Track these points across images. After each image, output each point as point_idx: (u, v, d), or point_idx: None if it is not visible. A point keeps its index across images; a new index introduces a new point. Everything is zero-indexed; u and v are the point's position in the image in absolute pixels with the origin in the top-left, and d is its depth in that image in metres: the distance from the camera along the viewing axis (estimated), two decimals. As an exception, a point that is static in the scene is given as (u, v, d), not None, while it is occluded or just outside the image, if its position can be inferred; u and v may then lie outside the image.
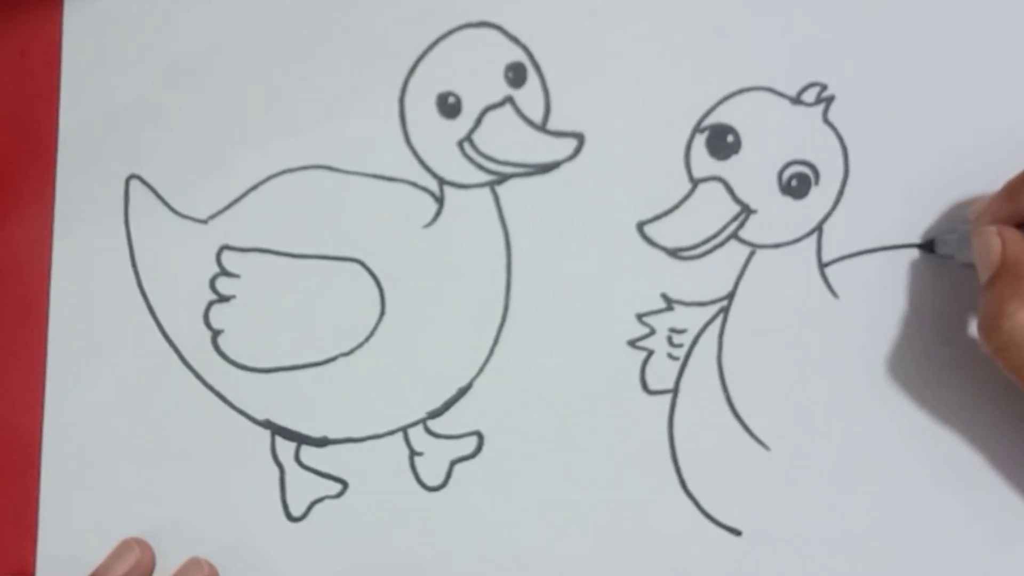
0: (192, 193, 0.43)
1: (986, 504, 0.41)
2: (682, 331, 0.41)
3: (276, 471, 0.43)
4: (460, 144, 0.42)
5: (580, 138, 0.42)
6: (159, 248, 0.43)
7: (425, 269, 0.42)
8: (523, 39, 0.42)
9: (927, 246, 0.40)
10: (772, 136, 0.41)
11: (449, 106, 0.42)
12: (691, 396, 0.42)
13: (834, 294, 0.41)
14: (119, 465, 0.44)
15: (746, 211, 0.41)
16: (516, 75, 0.42)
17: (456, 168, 0.42)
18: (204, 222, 0.43)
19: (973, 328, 0.41)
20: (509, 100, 0.42)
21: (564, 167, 0.42)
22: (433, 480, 0.43)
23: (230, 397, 0.43)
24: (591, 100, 0.42)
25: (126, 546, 0.43)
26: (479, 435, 0.42)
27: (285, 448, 0.43)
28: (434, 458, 0.43)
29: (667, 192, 0.41)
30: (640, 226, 0.42)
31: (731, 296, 0.41)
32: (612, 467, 0.42)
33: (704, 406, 0.42)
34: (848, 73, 0.41)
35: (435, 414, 0.43)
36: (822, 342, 0.41)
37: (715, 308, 0.41)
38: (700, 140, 0.41)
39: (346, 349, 0.43)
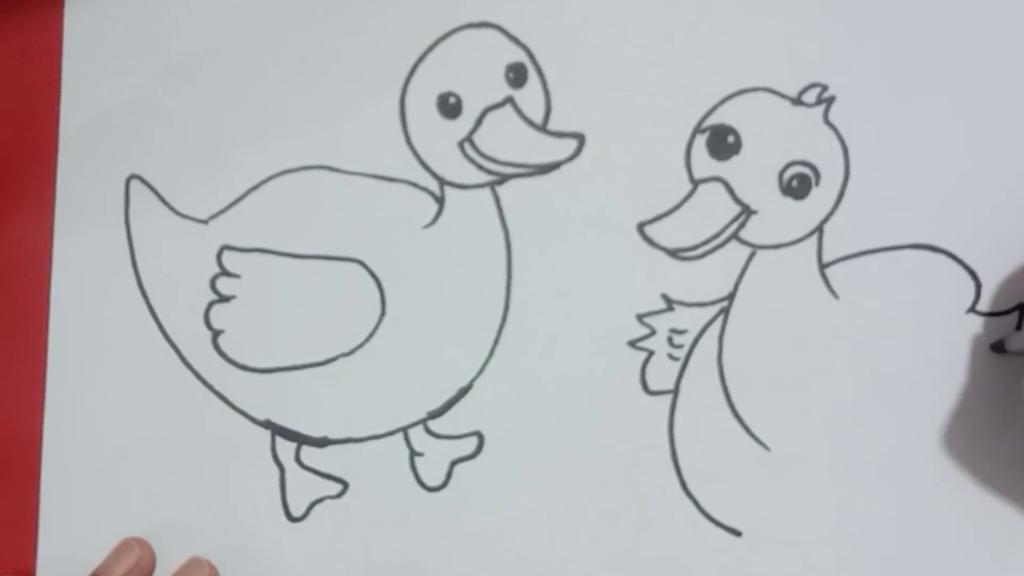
0: (192, 193, 0.43)
1: (985, 504, 0.41)
2: (682, 332, 0.41)
3: (276, 471, 0.43)
4: (461, 144, 0.42)
5: (581, 139, 0.42)
6: (159, 248, 0.43)
7: (425, 269, 0.42)
8: (524, 40, 0.42)
9: (997, 346, 0.40)
10: (773, 137, 0.41)
11: (450, 106, 0.42)
12: (691, 396, 0.42)
13: (834, 295, 0.41)
14: (119, 465, 0.44)
15: (747, 212, 0.41)
16: (517, 75, 0.41)
17: (456, 168, 0.42)
18: (204, 222, 0.43)
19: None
20: (510, 100, 0.42)
21: (565, 167, 0.42)
22: (433, 480, 0.43)
23: (230, 397, 0.43)
24: (592, 101, 0.41)
25: (126, 546, 0.43)
26: (479, 435, 0.42)
27: (285, 448, 0.43)
28: (434, 458, 0.43)
29: (668, 193, 0.41)
30: (641, 226, 0.42)
31: (731, 297, 0.41)
32: (612, 467, 0.42)
33: (704, 406, 0.42)
34: (849, 74, 0.41)
35: (435, 414, 0.43)
36: (822, 343, 0.41)
37: (715, 309, 0.41)
38: (701, 141, 0.41)
39: (346, 349, 0.43)
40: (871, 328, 0.41)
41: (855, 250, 0.41)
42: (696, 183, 0.41)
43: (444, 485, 0.43)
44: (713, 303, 0.41)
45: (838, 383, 0.41)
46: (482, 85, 0.42)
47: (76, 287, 0.44)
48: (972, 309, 0.41)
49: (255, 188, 0.43)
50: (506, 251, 0.42)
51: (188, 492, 0.44)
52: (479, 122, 0.42)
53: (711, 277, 0.41)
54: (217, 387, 0.43)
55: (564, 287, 0.42)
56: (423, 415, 0.43)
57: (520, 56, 0.42)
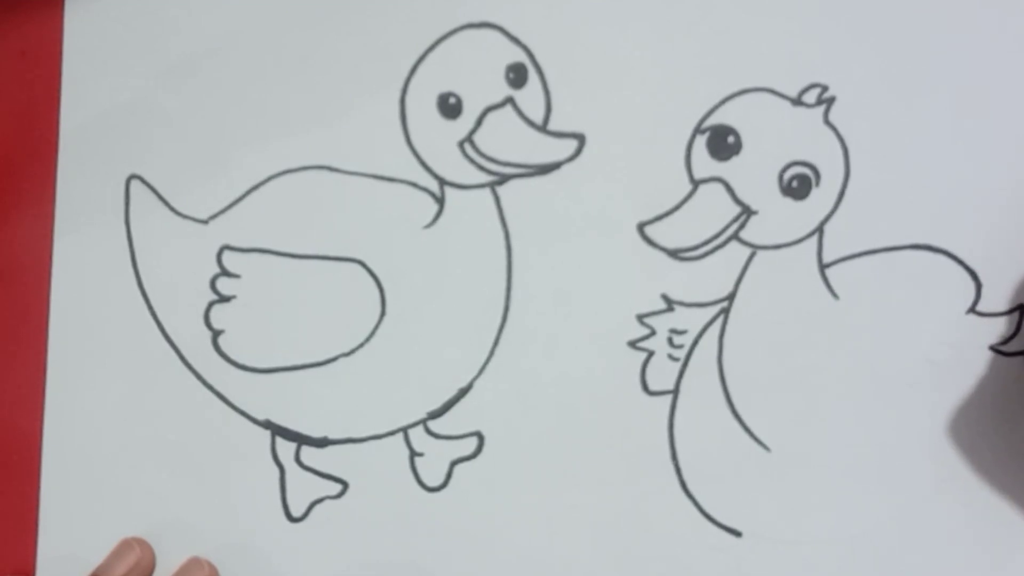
0: (192, 193, 0.43)
1: (986, 505, 0.41)
2: (683, 332, 0.41)
3: (276, 471, 0.43)
4: (461, 144, 0.42)
5: (581, 139, 0.42)
6: (159, 248, 0.43)
7: (425, 269, 0.42)
8: (524, 40, 0.42)
9: (997, 347, 0.40)
10: (773, 137, 0.41)
11: (450, 106, 0.42)
12: (691, 397, 0.42)
13: (835, 295, 0.41)
14: (119, 465, 0.44)
15: (747, 212, 0.41)
16: (517, 76, 0.41)
17: (457, 168, 0.42)
18: (204, 222, 0.43)
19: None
20: (510, 101, 0.42)
21: (565, 168, 0.42)
22: (433, 480, 0.43)
23: (230, 397, 0.43)
24: (592, 101, 0.41)
25: (126, 546, 0.43)
26: (479, 436, 0.42)
27: (285, 448, 0.43)
28: (434, 458, 0.43)
29: (668, 193, 0.41)
30: (641, 227, 0.42)
31: (732, 297, 0.41)
32: (612, 467, 0.42)
33: (704, 407, 0.42)
34: (849, 74, 0.41)
35: (435, 414, 0.43)
36: (822, 343, 0.41)
37: (716, 309, 0.41)
38: (701, 141, 0.41)
39: (346, 349, 0.43)
40: (871, 328, 0.41)
41: (855, 250, 0.41)
42: (696, 183, 0.41)
43: (444, 485, 0.43)
44: (713, 303, 0.41)
45: (838, 383, 0.41)
46: (482, 85, 0.42)
47: (76, 287, 0.44)
48: (972, 309, 0.41)
49: (255, 188, 0.43)
50: (506, 251, 0.42)
51: (188, 492, 0.44)
52: (479, 122, 0.42)
53: (711, 277, 0.41)
54: (217, 387, 0.43)
55: (564, 287, 0.42)
56: (423, 415, 0.43)
57: (520, 56, 0.42)
